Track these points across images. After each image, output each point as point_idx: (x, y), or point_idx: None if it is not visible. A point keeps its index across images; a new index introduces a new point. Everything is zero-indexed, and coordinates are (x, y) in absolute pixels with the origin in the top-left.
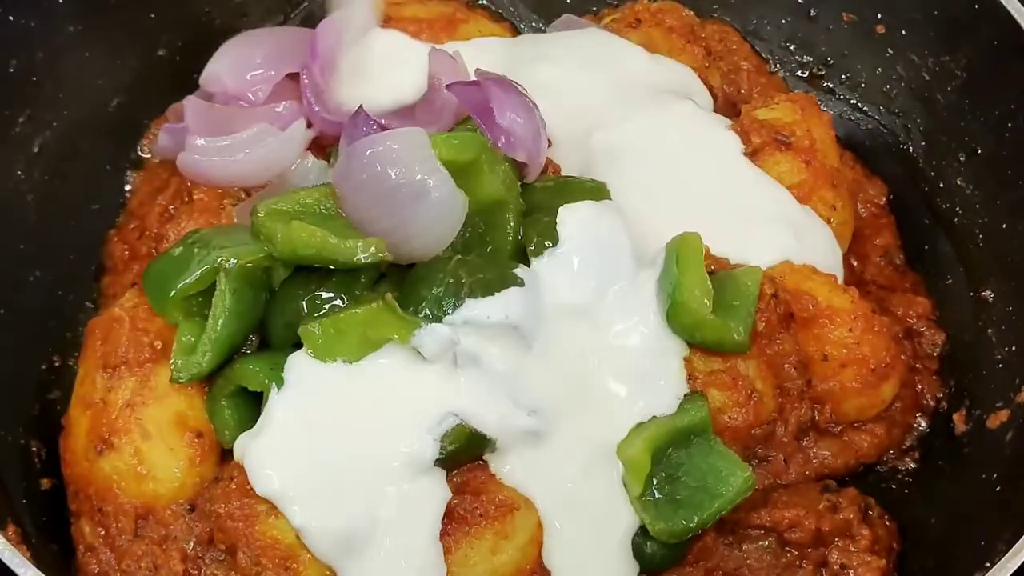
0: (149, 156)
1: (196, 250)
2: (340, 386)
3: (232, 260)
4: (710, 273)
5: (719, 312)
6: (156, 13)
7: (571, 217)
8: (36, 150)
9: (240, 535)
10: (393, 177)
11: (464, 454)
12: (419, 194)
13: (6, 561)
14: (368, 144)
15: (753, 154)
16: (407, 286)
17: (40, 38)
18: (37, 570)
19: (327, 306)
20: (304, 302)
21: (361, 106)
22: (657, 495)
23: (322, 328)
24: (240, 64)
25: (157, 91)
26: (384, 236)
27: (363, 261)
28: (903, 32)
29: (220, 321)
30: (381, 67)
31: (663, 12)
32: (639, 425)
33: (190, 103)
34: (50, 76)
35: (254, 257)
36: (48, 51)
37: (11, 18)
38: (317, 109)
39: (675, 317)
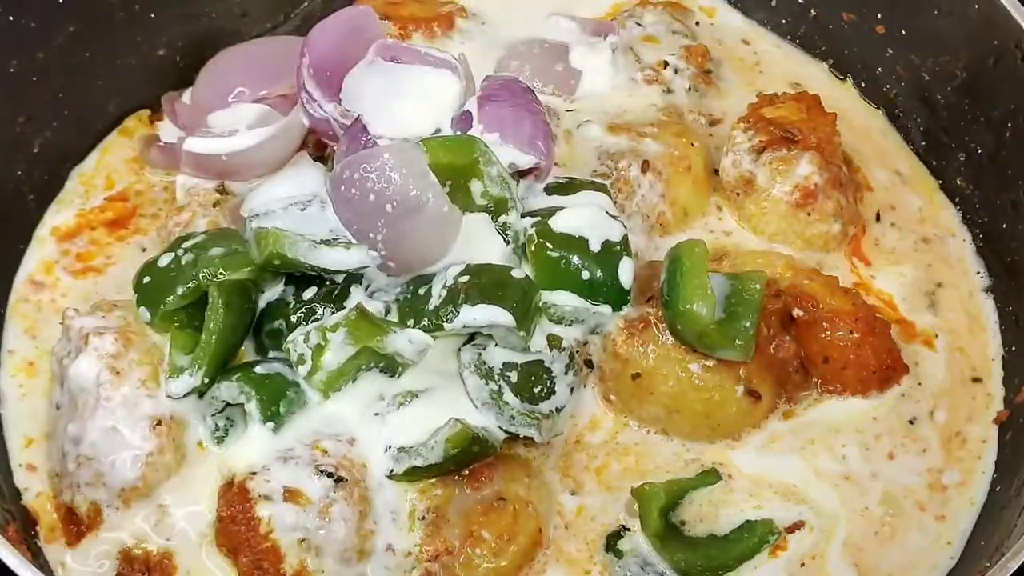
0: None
1: (184, 261)
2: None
3: (221, 273)
4: (713, 274)
5: (722, 318)
6: (156, 13)
7: (574, 217)
8: (36, 150)
9: (242, 539)
10: (388, 192)
11: (467, 457)
12: (414, 209)
13: (6, 561)
14: (364, 157)
15: (760, 151)
16: (407, 298)
17: (40, 38)
18: (37, 570)
19: (313, 316)
20: (291, 311)
21: (359, 116)
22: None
23: (304, 339)
24: (218, 89)
25: (157, 91)
26: (379, 248)
27: (348, 269)
28: (903, 32)
29: (214, 337)
30: (388, 94)
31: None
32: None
33: (181, 106)
34: (50, 76)
35: (243, 268)
36: (48, 51)
37: (11, 18)
38: (309, 108)
39: (678, 325)
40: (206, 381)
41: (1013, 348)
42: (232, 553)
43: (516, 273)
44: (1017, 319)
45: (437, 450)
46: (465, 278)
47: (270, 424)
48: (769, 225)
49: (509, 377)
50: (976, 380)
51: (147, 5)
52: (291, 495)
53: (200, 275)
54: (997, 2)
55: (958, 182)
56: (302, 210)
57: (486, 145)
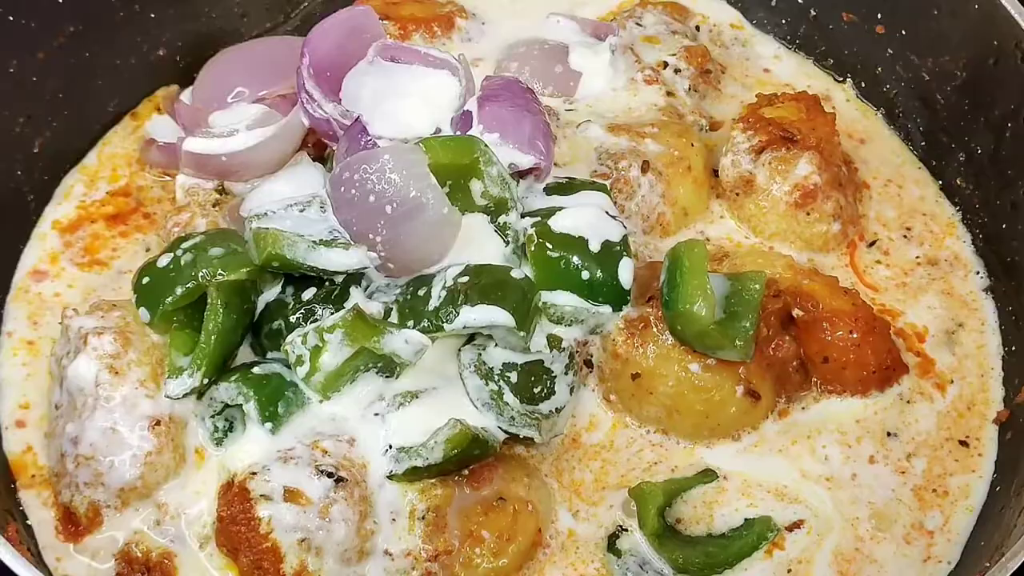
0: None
1: (184, 261)
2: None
3: (220, 273)
4: (713, 274)
5: (722, 318)
6: (156, 13)
7: (573, 217)
8: (36, 150)
9: (242, 539)
10: (388, 194)
11: (467, 457)
12: (414, 211)
13: (6, 561)
14: (364, 158)
15: (759, 151)
16: (407, 299)
17: (40, 38)
18: (37, 570)
19: (312, 317)
20: (290, 312)
21: (359, 116)
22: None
23: (303, 341)
24: (218, 89)
25: (157, 91)
26: (379, 249)
27: (347, 269)
28: (903, 32)
29: (213, 338)
30: (389, 94)
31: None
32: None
33: (181, 106)
34: (50, 76)
35: (242, 269)
36: (48, 51)
37: (11, 18)
38: (309, 108)
39: (678, 325)
40: (205, 382)
41: (1013, 348)
42: (232, 553)
43: (516, 273)
44: (1017, 319)
45: (437, 451)
46: (465, 279)
47: (268, 425)
48: (769, 225)
49: (509, 377)
50: (963, 444)
51: (147, 5)
52: (291, 495)
53: (199, 275)
54: (997, 2)
55: (958, 182)
56: (301, 211)
57: (486, 145)
